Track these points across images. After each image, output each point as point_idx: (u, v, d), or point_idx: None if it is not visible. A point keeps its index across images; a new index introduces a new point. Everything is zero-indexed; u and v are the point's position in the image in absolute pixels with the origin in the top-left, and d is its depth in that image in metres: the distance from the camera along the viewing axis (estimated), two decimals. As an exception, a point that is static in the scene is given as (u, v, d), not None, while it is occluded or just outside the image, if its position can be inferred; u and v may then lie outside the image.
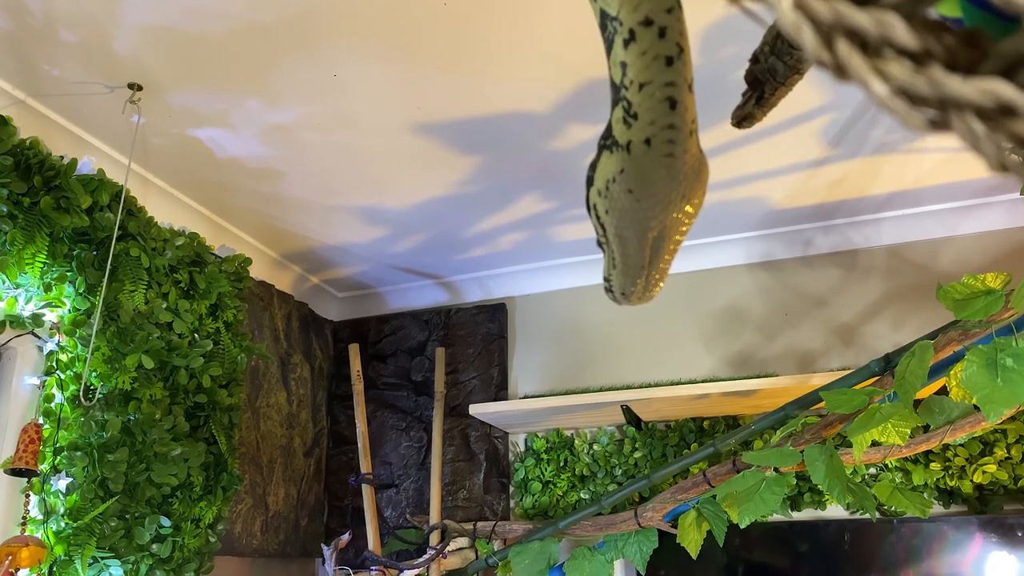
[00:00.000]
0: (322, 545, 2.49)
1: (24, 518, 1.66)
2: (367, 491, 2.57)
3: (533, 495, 2.58)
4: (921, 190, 2.29)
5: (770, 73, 0.83)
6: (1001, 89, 0.28)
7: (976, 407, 1.62)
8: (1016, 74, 0.28)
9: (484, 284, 2.90)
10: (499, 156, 2.08)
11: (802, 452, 1.74)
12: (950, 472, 2.17)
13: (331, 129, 1.94)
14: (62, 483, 1.73)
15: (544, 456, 2.62)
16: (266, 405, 2.60)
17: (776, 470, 1.79)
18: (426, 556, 2.31)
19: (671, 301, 2.63)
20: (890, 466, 2.22)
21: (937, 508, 2.21)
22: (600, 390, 2.62)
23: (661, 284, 0.73)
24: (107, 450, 1.77)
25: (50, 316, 1.80)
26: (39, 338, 1.82)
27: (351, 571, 2.35)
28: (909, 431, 1.62)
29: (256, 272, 2.60)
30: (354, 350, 2.75)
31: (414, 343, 2.94)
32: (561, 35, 1.62)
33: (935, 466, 2.17)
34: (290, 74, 1.72)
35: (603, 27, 0.56)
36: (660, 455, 2.47)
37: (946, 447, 2.17)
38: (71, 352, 1.80)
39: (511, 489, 2.68)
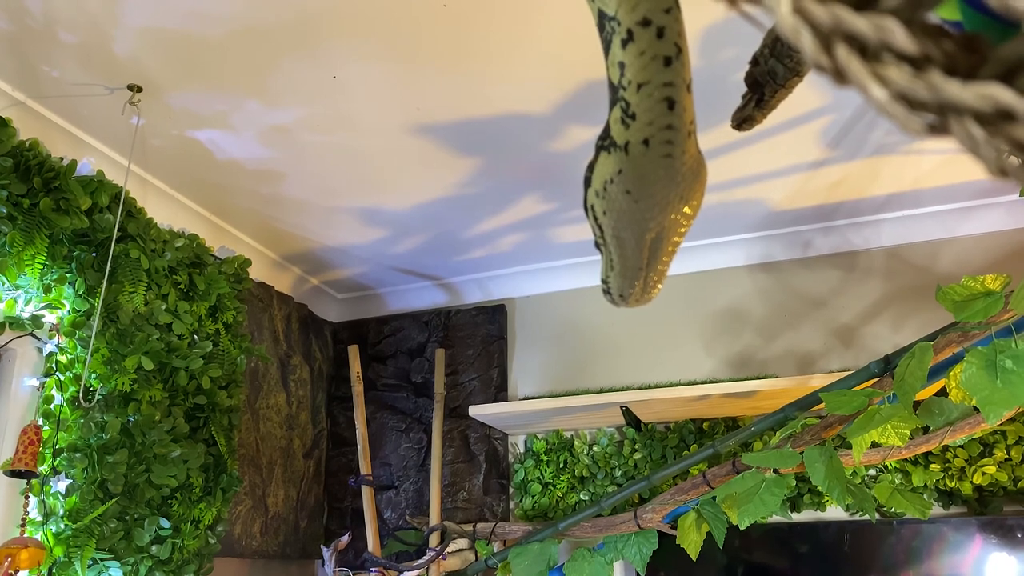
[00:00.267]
0: (322, 546, 2.49)
1: (23, 519, 1.66)
2: (367, 492, 2.57)
3: (533, 496, 2.58)
4: (920, 191, 2.29)
5: (770, 75, 0.83)
6: (1000, 94, 0.28)
7: (976, 408, 1.62)
8: (1015, 79, 0.28)
9: (484, 285, 2.90)
10: (499, 157, 2.08)
11: (802, 453, 1.74)
12: (950, 473, 2.17)
13: (331, 130, 1.94)
14: (61, 484, 1.73)
15: (544, 457, 2.62)
16: (266, 406, 2.60)
17: (776, 471, 1.79)
18: (426, 557, 2.31)
19: (671, 302, 2.63)
20: (890, 467, 2.22)
21: (937, 509, 2.21)
22: (600, 391, 2.62)
23: (659, 286, 0.72)
24: (106, 451, 1.77)
25: (50, 317, 1.79)
26: (39, 339, 1.82)
27: (351, 572, 2.35)
28: (909, 432, 1.62)
29: (256, 273, 2.60)
30: (354, 351, 2.75)
31: (414, 344, 2.94)
32: (561, 36, 1.62)
33: (935, 467, 2.17)
34: (290, 75, 1.72)
35: (601, 27, 0.56)
36: (660, 456, 2.47)
37: (946, 448, 2.17)
38: (71, 353, 1.80)
39: (511, 490, 2.68)
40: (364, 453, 2.62)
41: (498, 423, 2.60)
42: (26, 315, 1.75)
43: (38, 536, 1.68)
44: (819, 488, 1.72)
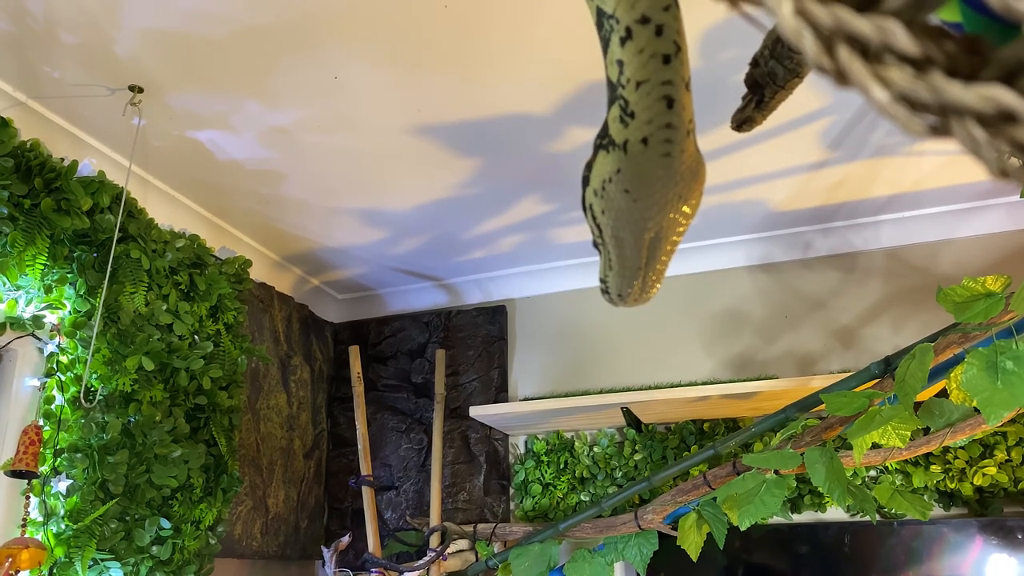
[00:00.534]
0: (322, 547, 2.49)
1: (24, 520, 1.66)
2: (367, 493, 2.57)
3: (533, 497, 2.58)
4: (921, 193, 2.29)
5: (770, 77, 0.83)
6: (1001, 95, 0.28)
7: (976, 410, 1.62)
8: (1016, 80, 0.28)
9: (484, 286, 2.91)
10: (499, 158, 2.08)
11: (802, 454, 1.74)
12: (950, 474, 2.17)
13: (331, 131, 1.94)
14: (62, 485, 1.73)
15: (544, 458, 2.62)
16: (266, 407, 2.60)
17: (776, 472, 1.79)
18: (426, 558, 2.31)
19: (671, 303, 2.63)
20: (890, 468, 2.22)
21: (937, 510, 2.21)
22: (600, 392, 2.62)
23: (658, 285, 0.72)
24: (107, 452, 1.77)
25: (50, 318, 1.80)
26: (40, 340, 1.82)
27: (351, 573, 2.35)
28: (909, 433, 1.62)
29: (256, 274, 2.60)
30: (354, 352, 2.75)
31: (414, 345, 2.94)
32: (561, 37, 1.62)
33: (935, 468, 2.17)
34: (290, 76, 1.73)
35: (599, 25, 0.56)
36: (660, 457, 2.47)
37: (946, 449, 2.17)
38: (71, 354, 1.80)
39: (511, 491, 2.68)
40: (364, 454, 2.62)
41: (498, 424, 2.60)
42: (27, 315, 1.75)
43: (39, 536, 1.68)
44: (820, 489, 1.72)
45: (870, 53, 0.29)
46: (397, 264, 2.79)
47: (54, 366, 1.79)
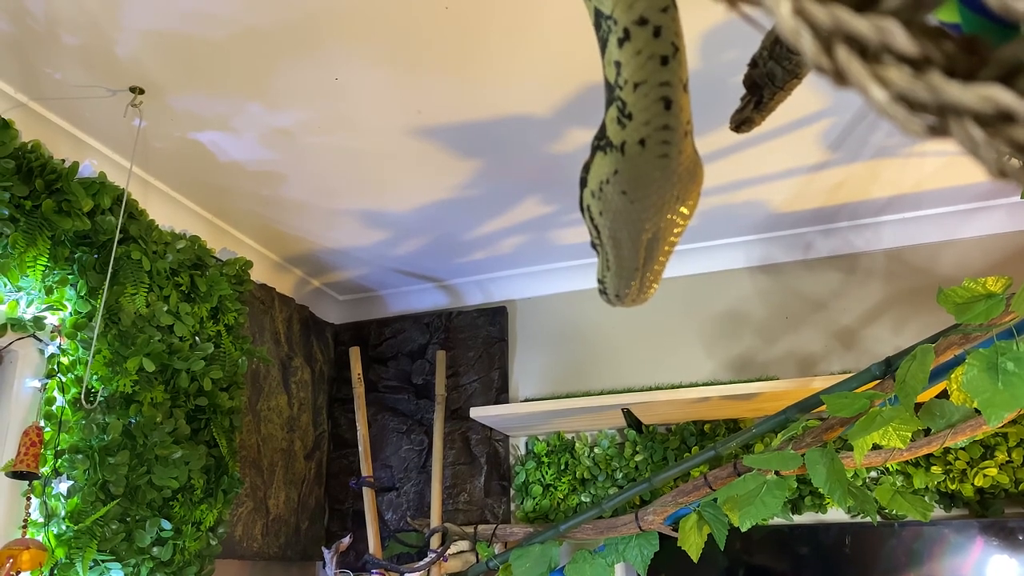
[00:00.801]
0: (323, 548, 2.49)
1: (25, 521, 1.66)
2: (368, 494, 2.57)
3: (534, 498, 2.58)
4: (921, 194, 2.29)
5: (769, 78, 0.83)
6: (1000, 95, 0.28)
7: (977, 411, 1.62)
8: (1015, 80, 0.28)
9: (484, 287, 2.91)
10: (499, 160, 2.08)
11: (803, 455, 1.74)
12: (951, 475, 2.17)
13: (332, 132, 1.95)
14: (63, 486, 1.73)
15: (545, 459, 2.62)
16: (267, 408, 2.60)
17: (777, 473, 1.79)
18: (427, 559, 2.31)
19: (671, 304, 2.63)
20: (891, 469, 2.22)
21: (938, 511, 2.21)
22: (601, 393, 2.62)
23: (655, 286, 0.72)
24: (108, 453, 1.77)
25: (51, 319, 1.80)
26: (40, 341, 1.82)
27: (352, 574, 2.35)
28: (910, 435, 1.62)
29: (257, 275, 2.60)
30: (355, 353, 2.75)
31: (415, 346, 2.94)
32: (561, 38, 1.62)
33: (936, 470, 2.17)
34: (291, 78, 1.73)
35: (597, 26, 0.56)
36: (661, 458, 2.47)
37: (947, 451, 2.16)
38: (72, 355, 1.81)
39: (512, 492, 2.68)
40: (365, 455, 2.62)
41: (499, 425, 2.60)
42: (28, 317, 1.75)
43: (40, 537, 1.68)
44: (820, 490, 1.72)
45: (869, 53, 0.29)
46: (398, 265, 2.79)
47: (55, 367, 1.79)
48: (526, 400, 2.73)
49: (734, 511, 1.83)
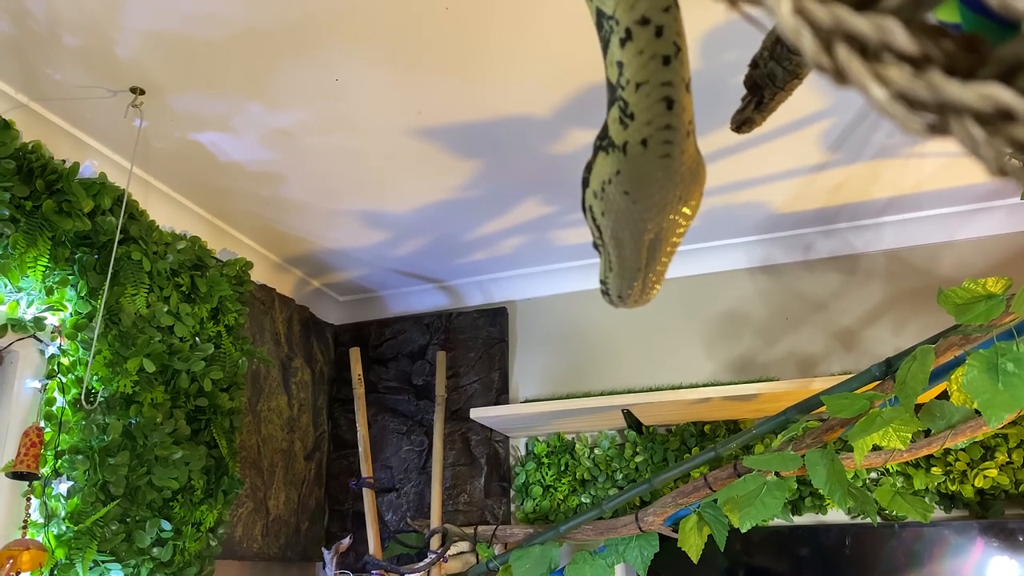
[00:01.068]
0: (323, 549, 2.49)
1: (25, 522, 1.66)
2: (368, 495, 2.57)
3: (534, 499, 2.58)
4: (922, 194, 2.29)
5: (769, 78, 0.83)
6: (1000, 94, 0.28)
7: (977, 411, 1.62)
8: (1015, 79, 0.28)
9: (485, 288, 2.91)
10: (500, 160, 2.08)
11: (803, 456, 1.74)
12: (951, 476, 2.17)
13: (332, 133, 1.95)
14: (63, 487, 1.73)
15: (545, 460, 2.61)
16: (267, 409, 2.60)
17: (777, 474, 1.79)
18: (427, 560, 2.31)
19: (672, 305, 2.63)
20: (891, 470, 2.22)
21: (938, 512, 2.21)
22: (601, 394, 2.62)
23: (658, 286, 0.72)
24: (108, 454, 1.77)
25: (52, 320, 1.80)
26: (41, 341, 1.82)
27: (352, 575, 2.35)
28: (910, 435, 1.62)
29: (257, 276, 2.60)
30: (355, 354, 2.75)
31: (415, 347, 2.94)
32: (562, 39, 1.62)
33: (936, 471, 2.17)
34: (291, 78, 1.73)
35: (599, 26, 0.55)
36: (661, 459, 2.47)
37: (947, 451, 2.16)
38: (72, 356, 1.81)
39: (512, 493, 2.68)
40: (365, 455, 2.62)
41: (499, 426, 2.60)
42: (28, 317, 1.75)
43: (40, 538, 1.68)
44: (820, 491, 1.72)
45: (869, 52, 0.30)
46: (398, 266, 2.79)
47: (55, 368, 1.79)
48: (526, 401, 2.73)
49: (734, 512, 1.83)
